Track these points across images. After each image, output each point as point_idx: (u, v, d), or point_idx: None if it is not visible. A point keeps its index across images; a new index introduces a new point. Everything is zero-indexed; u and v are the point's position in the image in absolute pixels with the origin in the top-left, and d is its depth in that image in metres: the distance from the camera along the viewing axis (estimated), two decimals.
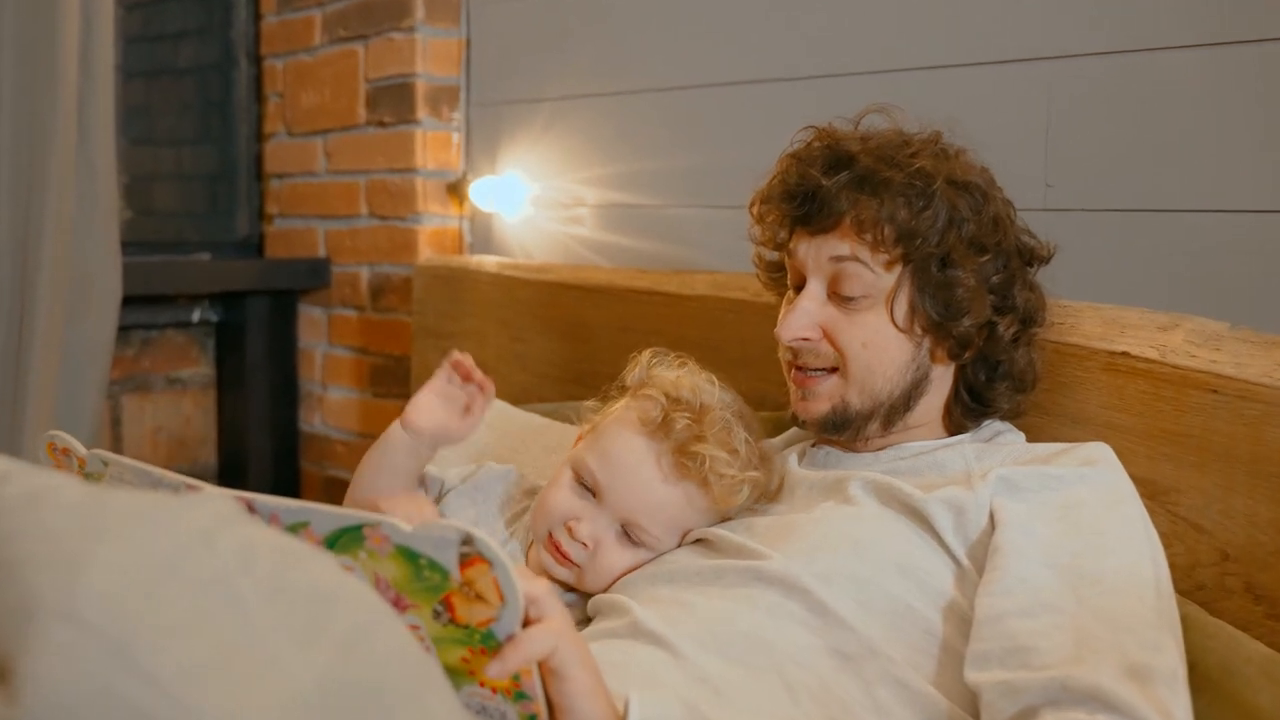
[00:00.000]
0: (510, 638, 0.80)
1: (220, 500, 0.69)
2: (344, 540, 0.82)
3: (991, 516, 1.10)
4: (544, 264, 2.07)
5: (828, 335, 1.22)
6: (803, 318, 1.22)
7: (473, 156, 2.36)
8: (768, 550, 1.11)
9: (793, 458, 1.30)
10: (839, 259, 1.21)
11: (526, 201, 2.24)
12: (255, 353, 2.55)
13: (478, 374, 1.26)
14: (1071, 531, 1.07)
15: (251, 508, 0.85)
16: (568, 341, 1.91)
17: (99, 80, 2.08)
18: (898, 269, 1.20)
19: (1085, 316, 1.32)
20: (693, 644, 1.04)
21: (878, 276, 1.20)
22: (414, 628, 0.83)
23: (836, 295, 1.22)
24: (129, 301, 2.32)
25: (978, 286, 1.20)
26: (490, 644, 0.81)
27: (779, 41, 1.87)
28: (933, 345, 1.23)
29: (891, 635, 1.05)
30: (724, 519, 1.23)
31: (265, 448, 2.58)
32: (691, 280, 1.75)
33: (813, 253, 1.23)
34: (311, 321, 2.59)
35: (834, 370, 1.23)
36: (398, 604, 0.83)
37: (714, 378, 1.24)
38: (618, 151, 2.10)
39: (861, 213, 1.19)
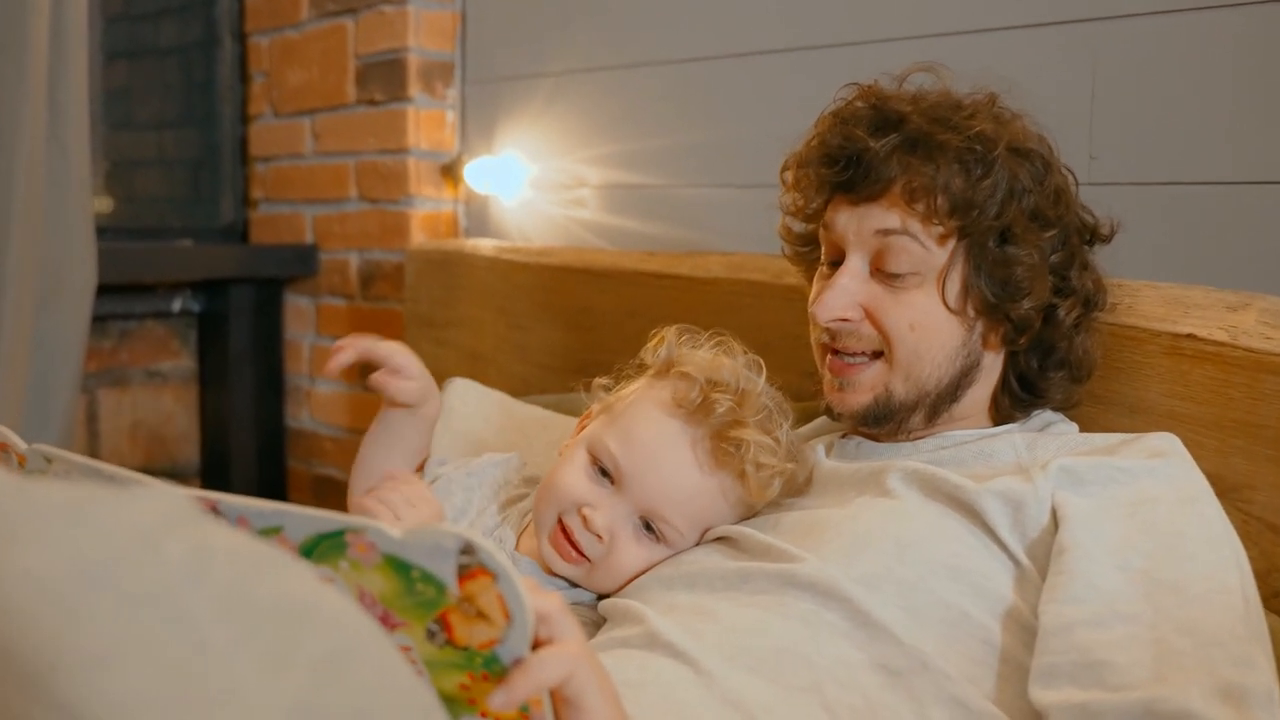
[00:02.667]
0: (518, 662, 0.69)
1: (170, 496, 0.57)
2: (323, 548, 0.71)
3: (1053, 512, 0.99)
4: (545, 247, 1.96)
5: (870, 316, 1.11)
6: (842, 296, 1.11)
7: (468, 136, 2.25)
8: (800, 551, 1.00)
9: (820, 449, 1.19)
10: (886, 232, 1.09)
11: (525, 183, 2.13)
12: (239, 344, 2.45)
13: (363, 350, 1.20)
14: (1144, 531, 0.96)
15: (216, 509, 0.75)
16: (571, 329, 1.79)
17: (71, 56, 1.97)
18: (951, 243, 1.09)
19: (1144, 296, 1.21)
20: (719, 659, 0.93)
21: (929, 252, 1.09)
22: (404, 649, 0.72)
23: (881, 272, 1.11)
24: (106, 290, 2.22)
25: (1039, 265, 1.09)
26: (494, 669, 0.70)
27: (797, 7, 1.75)
28: (986, 329, 1.11)
29: (945, 647, 0.94)
30: (747, 516, 1.12)
31: (250, 445, 2.47)
32: (705, 262, 1.64)
33: (855, 224, 1.11)
34: (298, 311, 2.48)
35: (876, 356, 1.12)
36: (385, 622, 0.72)
37: (759, 360, 1.13)
38: (622, 129, 1.98)
39: (913, 179, 1.07)
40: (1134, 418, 1.18)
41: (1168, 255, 1.39)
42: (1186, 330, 1.15)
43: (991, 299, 1.08)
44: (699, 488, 1.08)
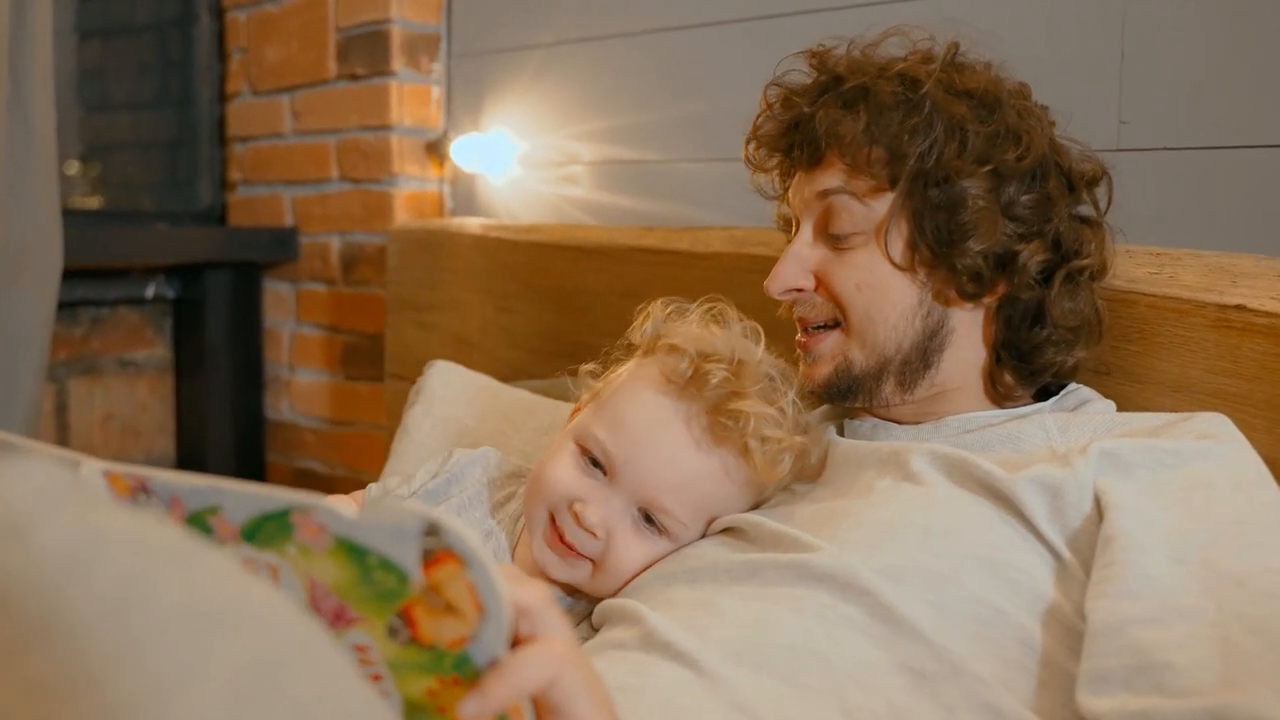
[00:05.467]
0: (493, 663, 0.59)
1: (58, 472, 0.46)
2: (267, 530, 0.62)
3: (1097, 500, 0.88)
4: (533, 224, 1.85)
5: (822, 283, 1.05)
6: (792, 265, 1.06)
7: (454, 112, 2.14)
8: (815, 540, 0.90)
9: (830, 430, 1.09)
10: (825, 193, 1.04)
11: (514, 161, 2.02)
12: (216, 332, 2.34)
13: None
14: (1200, 519, 0.86)
15: (145, 488, 0.65)
16: (562, 311, 1.69)
17: (35, 27, 1.86)
18: (888, 196, 1.02)
19: (1185, 264, 1.11)
20: (723, 658, 0.82)
21: (867, 208, 1.03)
22: (362, 649, 0.62)
23: (827, 235, 1.05)
24: (77, 275, 2.12)
25: (987, 208, 1.00)
26: (466, 671, 0.60)
27: None
28: (939, 284, 1.03)
29: (978, 648, 0.84)
30: (756, 504, 1.02)
31: (227, 437, 2.37)
32: (705, 237, 1.53)
33: (804, 192, 1.07)
34: (278, 298, 2.38)
35: (836, 326, 1.05)
36: (339, 618, 0.62)
37: (757, 326, 1.04)
38: (617, 102, 1.88)
39: (845, 135, 1.02)
40: (1176, 397, 1.08)
41: (1209, 224, 1.29)
42: (1235, 301, 1.05)
43: (937, 249, 1.01)
44: (699, 470, 0.97)
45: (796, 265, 1.06)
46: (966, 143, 1.00)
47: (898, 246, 1.02)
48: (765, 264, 1.42)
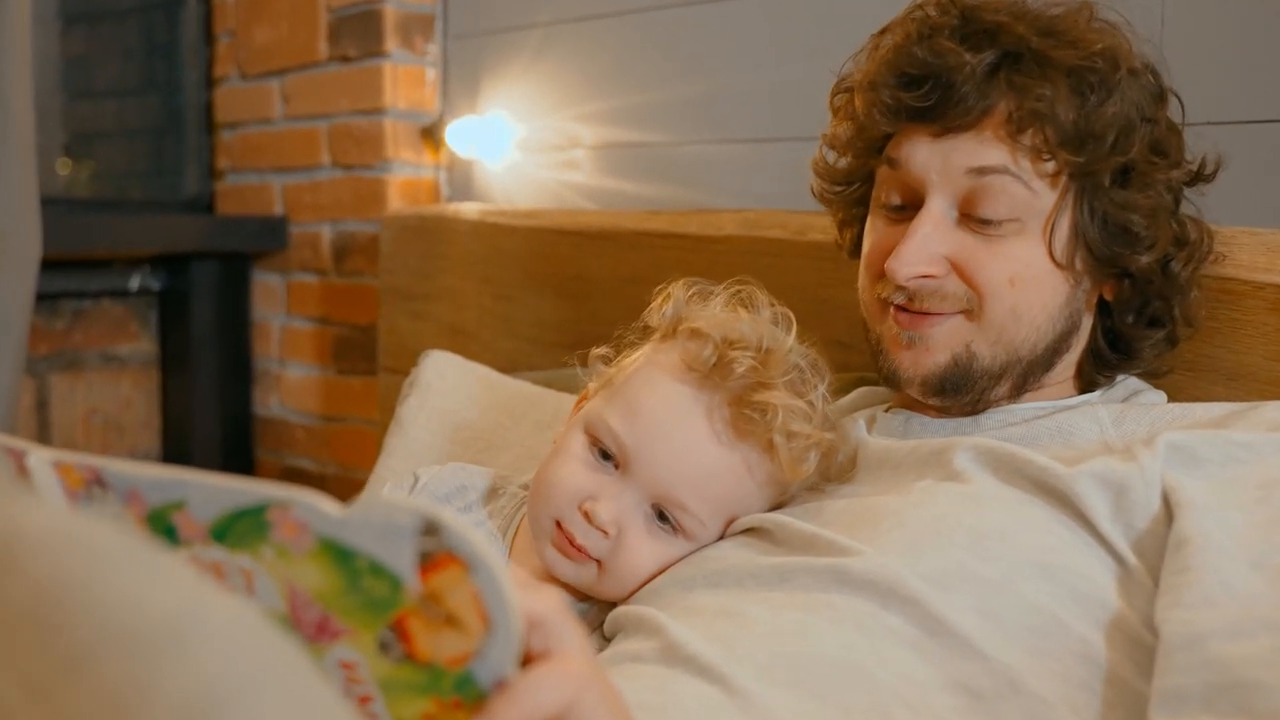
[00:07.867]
0: (501, 684, 0.51)
1: None
2: (240, 529, 0.54)
3: (1165, 498, 0.80)
4: (533, 209, 1.77)
5: (959, 269, 0.92)
6: (925, 247, 0.91)
7: (450, 95, 2.06)
8: (853, 543, 0.81)
9: (860, 425, 1.01)
10: (983, 170, 0.90)
11: (513, 145, 1.94)
12: (203, 325, 2.26)
13: None
14: (1279, 520, 0.78)
15: (100, 481, 0.57)
16: (564, 299, 1.61)
17: (13, 9, 1.79)
18: (1062, 183, 0.91)
19: (1241, 243, 1.03)
20: (754, 673, 0.74)
21: (1034, 194, 0.90)
22: (348, 666, 0.54)
23: (971, 217, 0.91)
24: (58, 266, 2.04)
25: (1161, 210, 0.92)
26: (469, 693, 0.52)
27: None
28: (1093, 286, 0.94)
29: (1036, 663, 0.76)
30: (776, 505, 0.94)
31: (215, 433, 2.29)
32: (717, 219, 1.45)
33: (938, 160, 0.92)
34: (267, 289, 2.30)
35: (960, 312, 0.93)
36: (323, 630, 0.54)
37: (789, 313, 0.95)
38: (619, 83, 1.80)
39: (1022, 105, 0.88)
40: (1232, 386, 1.00)
41: (1264, 201, 1.21)
42: None
43: (1105, 251, 0.91)
44: (719, 465, 0.89)
45: (930, 248, 0.92)
46: (1146, 135, 0.91)
47: (1061, 241, 0.92)
48: (785, 248, 1.35)
